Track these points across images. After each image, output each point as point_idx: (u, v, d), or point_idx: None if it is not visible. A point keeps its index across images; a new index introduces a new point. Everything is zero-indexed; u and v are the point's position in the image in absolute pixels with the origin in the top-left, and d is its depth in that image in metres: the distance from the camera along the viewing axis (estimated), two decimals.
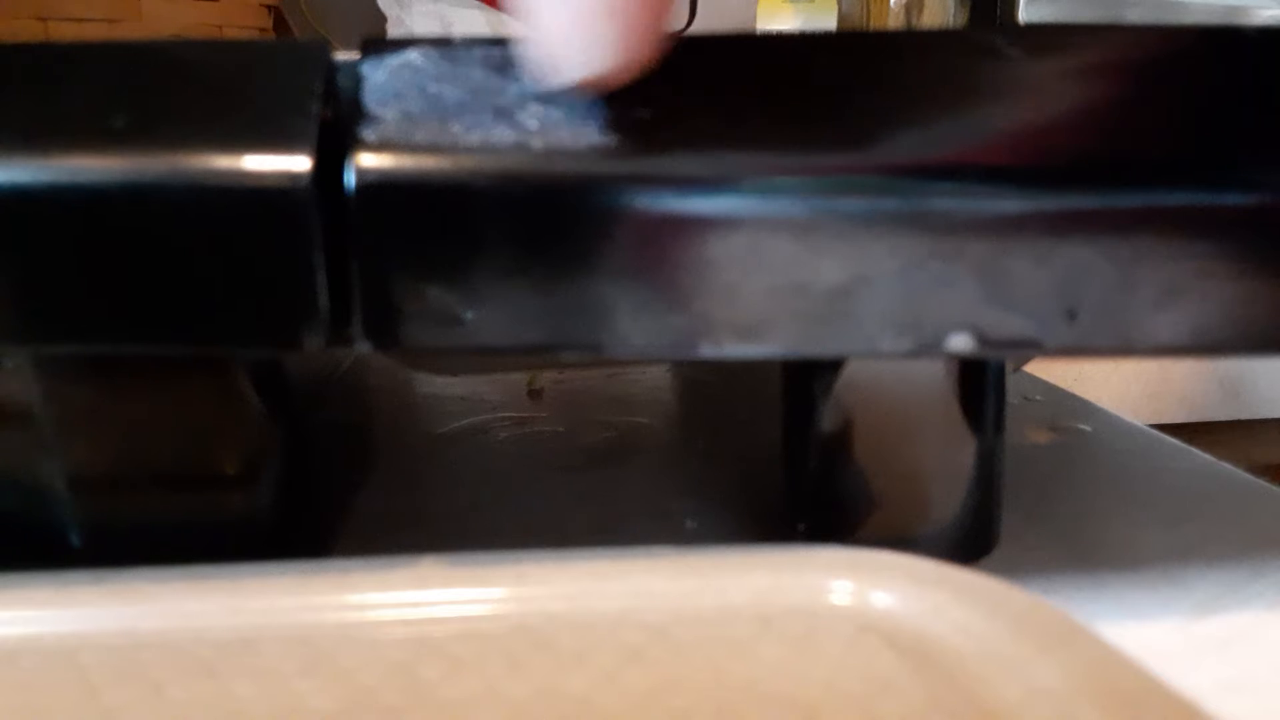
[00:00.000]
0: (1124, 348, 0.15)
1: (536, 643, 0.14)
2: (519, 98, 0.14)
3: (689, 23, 0.67)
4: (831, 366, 0.17)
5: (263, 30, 0.61)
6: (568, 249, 0.14)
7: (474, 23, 0.66)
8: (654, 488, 0.24)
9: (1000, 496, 0.19)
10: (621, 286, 0.15)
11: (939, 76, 0.15)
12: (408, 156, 0.14)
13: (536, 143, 0.14)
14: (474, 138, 0.14)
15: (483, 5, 0.68)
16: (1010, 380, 0.19)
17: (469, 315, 0.15)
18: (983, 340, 0.15)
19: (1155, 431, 0.27)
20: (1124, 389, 0.65)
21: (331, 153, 0.14)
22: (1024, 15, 0.61)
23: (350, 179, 0.14)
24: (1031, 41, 0.15)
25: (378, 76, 0.15)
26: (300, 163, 0.14)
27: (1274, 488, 0.23)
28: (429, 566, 0.15)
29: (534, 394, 0.32)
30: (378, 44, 0.15)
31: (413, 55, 0.15)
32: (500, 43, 0.15)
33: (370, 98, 0.14)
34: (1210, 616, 0.17)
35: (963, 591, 0.14)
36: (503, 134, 0.14)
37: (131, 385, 0.16)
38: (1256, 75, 0.15)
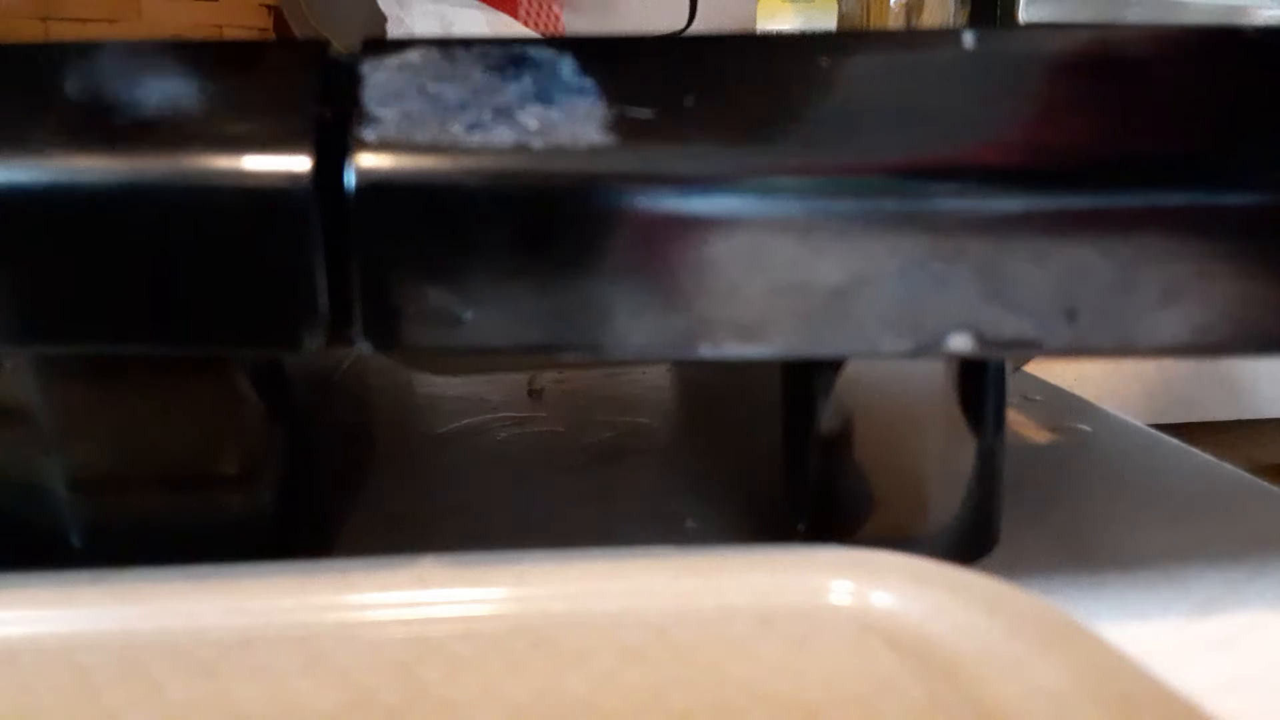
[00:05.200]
0: (1124, 348, 0.15)
1: (536, 643, 0.14)
2: (519, 98, 0.14)
3: (689, 23, 0.67)
4: (831, 366, 0.17)
5: (263, 30, 0.61)
6: (568, 249, 0.14)
7: (474, 23, 0.66)
8: (654, 488, 0.24)
9: (1000, 496, 0.19)
10: (621, 287, 0.15)
11: (939, 76, 0.15)
12: (408, 156, 0.14)
13: (536, 143, 0.14)
14: (474, 138, 0.14)
15: (483, 5, 0.68)
16: (1010, 380, 0.19)
17: (469, 315, 0.15)
18: (983, 340, 0.15)
19: (1155, 431, 0.27)
20: (1124, 389, 0.65)
21: (331, 153, 0.14)
22: (1024, 15, 0.61)
23: (350, 179, 0.14)
24: (1032, 41, 0.15)
25: (378, 76, 0.15)
26: (300, 163, 0.14)
27: (1274, 488, 0.23)
28: (429, 566, 0.15)
29: (534, 394, 0.32)
30: (378, 44, 0.15)
31: (413, 55, 0.15)
32: (500, 43, 0.15)
33: (370, 98, 0.14)
34: (1210, 616, 0.17)
35: (963, 591, 0.14)
36: (503, 134, 0.14)
37: (131, 385, 0.16)
38: (1256, 75, 0.15)
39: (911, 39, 0.16)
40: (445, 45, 0.15)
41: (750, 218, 0.14)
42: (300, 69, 0.15)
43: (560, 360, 0.31)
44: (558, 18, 0.77)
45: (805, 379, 0.18)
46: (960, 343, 0.15)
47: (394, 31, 0.63)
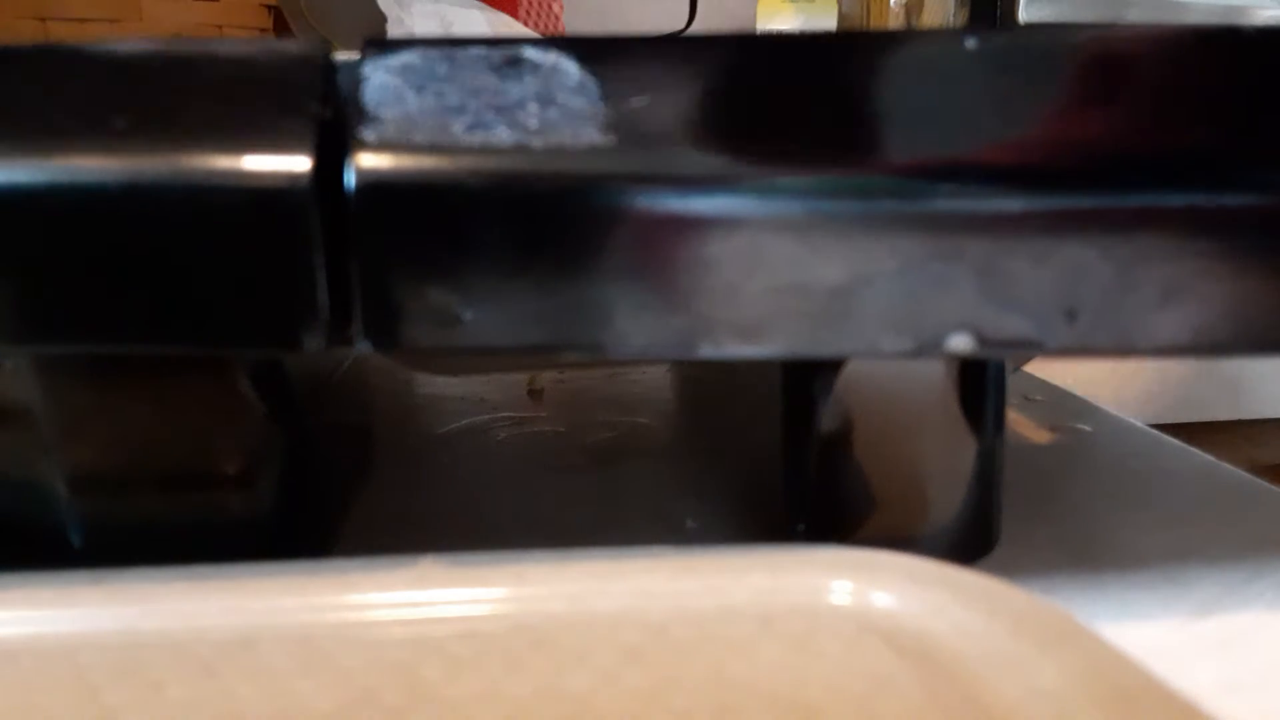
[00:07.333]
0: (1124, 348, 0.15)
1: (536, 643, 0.14)
2: (519, 98, 0.14)
3: (689, 23, 0.67)
4: (831, 366, 0.17)
5: (263, 30, 0.61)
6: (568, 249, 0.14)
7: (474, 23, 0.66)
8: (654, 488, 0.24)
9: (1000, 496, 0.19)
10: (621, 286, 0.15)
11: (939, 76, 0.15)
12: (408, 156, 0.14)
13: (536, 143, 0.14)
14: (474, 138, 0.14)
15: (483, 5, 0.68)
16: (1010, 380, 0.19)
17: (469, 315, 0.15)
18: (983, 340, 0.15)
19: (1155, 431, 0.27)
20: (1124, 389, 0.65)
21: (331, 153, 0.14)
22: (1024, 15, 0.61)
23: (350, 179, 0.14)
24: (1032, 41, 0.15)
25: (378, 76, 0.15)
26: (300, 163, 0.14)
27: (1274, 488, 0.23)
28: (429, 566, 0.15)
29: (534, 394, 0.32)
30: (378, 44, 0.15)
31: (413, 55, 0.15)
32: (500, 43, 0.15)
33: (370, 98, 0.14)
34: (1210, 616, 0.17)
35: (963, 591, 0.14)
36: (503, 134, 0.14)
37: (131, 385, 0.16)
38: (1256, 75, 0.15)
39: (911, 39, 0.16)
40: (445, 45, 0.15)
41: (750, 218, 0.14)
42: (300, 69, 0.15)
43: (560, 360, 0.31)
44: (558, 18, 0.77)
45: (805, 379, 0.18)
46: (960, 343, 0.15)
47: (394, 31, 0.63)
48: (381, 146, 0.14)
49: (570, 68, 0.15)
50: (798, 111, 0.15)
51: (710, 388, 0.29)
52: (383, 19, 0.65)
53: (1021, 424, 0.28)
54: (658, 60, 0.15)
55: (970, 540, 0.18)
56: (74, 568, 0.15)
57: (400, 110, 0.14)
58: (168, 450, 0.17)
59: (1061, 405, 0.30)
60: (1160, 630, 0.17)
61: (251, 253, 0.14)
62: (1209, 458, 0.25)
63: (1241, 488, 0.23)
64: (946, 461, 0.18)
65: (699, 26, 0.68)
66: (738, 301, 0.15)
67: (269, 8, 0.61)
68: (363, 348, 0.15)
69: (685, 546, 0.16)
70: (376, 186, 0.14)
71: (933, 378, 0.17)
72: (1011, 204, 0.14)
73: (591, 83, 0.15)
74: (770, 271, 0.15)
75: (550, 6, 0.76)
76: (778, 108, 0.15)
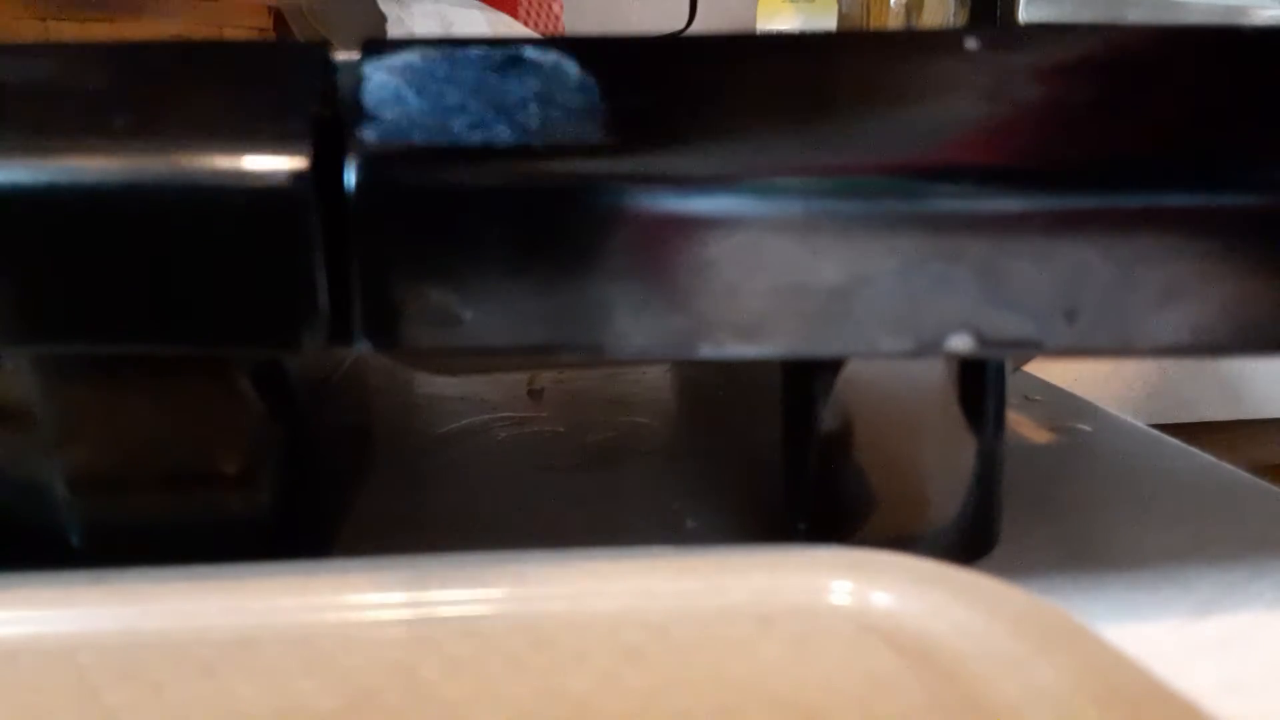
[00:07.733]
0: (1124, 348, 0.15)
1: (536, 643, 0.14)
2: (519, 98, 0.14)
3: (689, 23, 0.67)
4: (831, 366, 0.17)
5: (263, 30, 0.61)
6: (568, 249, 0.14)
7: (474, 23, 0.66)
8: (654, 488, 0.24)
9: (1000, 496, 0.19)
10: (621, 287, 0.15)
11: (939, 76, 0.15)
12: (408, 156, 0.14)
13: (537, 142, 0.14)
14: (474, 138, 0.14)
15: (483, 5, 0.68)
16: (1010, 380, 0.19)
17: (469, 315, 0.15)
18: (983, 340, 0.15)
19: (1155, 431, 0.27)
20: (1124, 389, 0.65)
21: (331, 153, 0.14)
22: (1024, 15, 0.61)
23: (350, 179, 0.14)
24: (1032, 41, 0.15)
25: (378, 76, 0.15)
26: (300, 163, 0.14)
27: (1274, 488, 0.23)
28: (429, 566, 0.15)
29: (534, 394, 0.32)
30: (378, 44, 0.15)
31: (413, 55, 0.15)
32: (500, 43, 0.15)
33: (370, 98, 0.14)
34: (1210, 616, 0.17)
35: (963, 591, 0.14)
36: (503, 134, 0.14)
37: (131, 385, 0.16)
38: (1256, 75, 0.15)
39: (911, 39, 0.16)
40: (445, 45, 0.15)
41: (750, 218, 0.14)
42: (300, 69, 0.15)
43: (560, 360, 0.31)
44: (558, 18, 0.77)
45: (805, 379, 0.18)
46: (960, 343, 0.15)
47: (394, 31, 0.63)
48: (381, 146, 0.14)
49: (570, 68, 0.15)
50: (797, 112, 0.15)
51: (710, 388, 0.29)
52: (383, 19, 0.65)
53: (1021, 424, 0.28)
54: (658, 60, 0.15)
55: (970, 540, 0.18)
56: (74, 568, 0.15)
57: (400, 110, 0.14)
58: (168, 450, 0.17)
59: (1061, 405, 0.30)
60: (1160, 630, 0.17)
61: (251, 252, 0.14)
62: (1209, 458, 0.25)
63: (1241, 488, 0.23)
64: (946, 461, 0.18)
65: (699, 26, 0.68)
66: (738, 301, 0.15)
67: (269, 8, 0.61)
68: (363, 348, 0.15)
69: (685, 546, 0.16)
70: (376, 186, 0.14)
71: (933, 378, 0.17)
72: (1011, 204, 0.14)
73: (591, 83, 0.15)
74: (770, 271, 0.15)
75: (550, 6, 0.76)
76: (777, 108, 0.15)
